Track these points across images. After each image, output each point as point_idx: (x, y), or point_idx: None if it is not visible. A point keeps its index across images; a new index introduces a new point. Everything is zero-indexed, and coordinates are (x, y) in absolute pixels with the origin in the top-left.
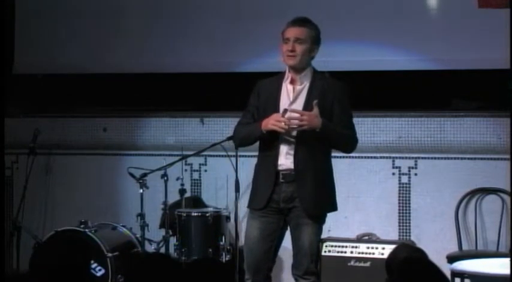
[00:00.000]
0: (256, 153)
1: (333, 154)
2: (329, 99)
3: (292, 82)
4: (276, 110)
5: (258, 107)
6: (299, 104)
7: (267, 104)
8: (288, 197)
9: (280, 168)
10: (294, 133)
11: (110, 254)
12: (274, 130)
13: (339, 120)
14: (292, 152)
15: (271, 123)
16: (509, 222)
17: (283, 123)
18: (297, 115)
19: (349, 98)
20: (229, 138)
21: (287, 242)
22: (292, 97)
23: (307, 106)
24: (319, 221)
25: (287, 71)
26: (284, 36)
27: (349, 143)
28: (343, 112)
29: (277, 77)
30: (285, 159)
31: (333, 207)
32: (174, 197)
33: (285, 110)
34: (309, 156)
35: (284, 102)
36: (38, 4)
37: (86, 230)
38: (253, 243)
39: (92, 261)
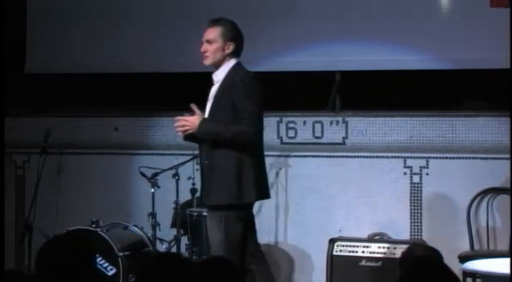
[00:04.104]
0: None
1: (344, 153)
2: (228, 95)
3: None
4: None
5: None
6: (211, 104)
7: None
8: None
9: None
10: None
11: (121, 254)
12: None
13: (236, 114)
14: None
15: None
16: None
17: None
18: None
19: (250, 92)
20: None
21: (293, 240)
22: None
23: (215, 104)
24: (217, 211)
25: None
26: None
27: (233, 140)
28: (239, 106)
29: None
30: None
31: (231, 198)
32: (185, 196)
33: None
34: (210, 154)
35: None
36: (49, 4)
37: (98, 230)
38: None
39: (103, 261)
